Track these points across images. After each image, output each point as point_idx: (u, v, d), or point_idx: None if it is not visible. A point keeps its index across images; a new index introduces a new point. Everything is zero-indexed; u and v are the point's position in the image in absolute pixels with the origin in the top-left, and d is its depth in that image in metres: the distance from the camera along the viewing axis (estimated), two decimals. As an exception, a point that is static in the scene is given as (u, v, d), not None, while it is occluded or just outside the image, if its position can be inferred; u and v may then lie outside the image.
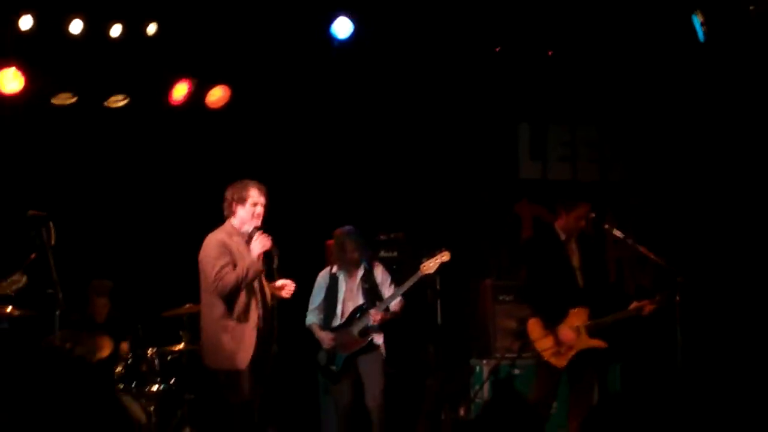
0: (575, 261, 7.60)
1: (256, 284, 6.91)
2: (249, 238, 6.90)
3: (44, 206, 7.27)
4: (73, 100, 9.05)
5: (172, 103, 9.33)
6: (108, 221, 9.58)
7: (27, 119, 9.14)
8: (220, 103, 9.46)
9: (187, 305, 8.41)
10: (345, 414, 8.36)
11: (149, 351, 8.46)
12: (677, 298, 7.39)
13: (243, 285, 6.75)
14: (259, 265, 6.84)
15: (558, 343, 7.44)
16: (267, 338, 6.95)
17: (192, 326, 8.31)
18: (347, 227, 8.42)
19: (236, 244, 6.87)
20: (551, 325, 7.47)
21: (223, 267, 6.75)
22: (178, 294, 8.67)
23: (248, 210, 6.90)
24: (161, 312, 8.59)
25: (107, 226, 9.57)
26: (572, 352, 7.45)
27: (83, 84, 9.04)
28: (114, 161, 9.61)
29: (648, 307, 7.45)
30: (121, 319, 8.97)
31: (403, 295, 8.24)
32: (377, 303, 8.25)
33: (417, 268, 8.12)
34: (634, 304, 7.50)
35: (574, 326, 7.44)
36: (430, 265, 8.08)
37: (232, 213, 6.96)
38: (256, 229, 6.88)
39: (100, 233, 9.51)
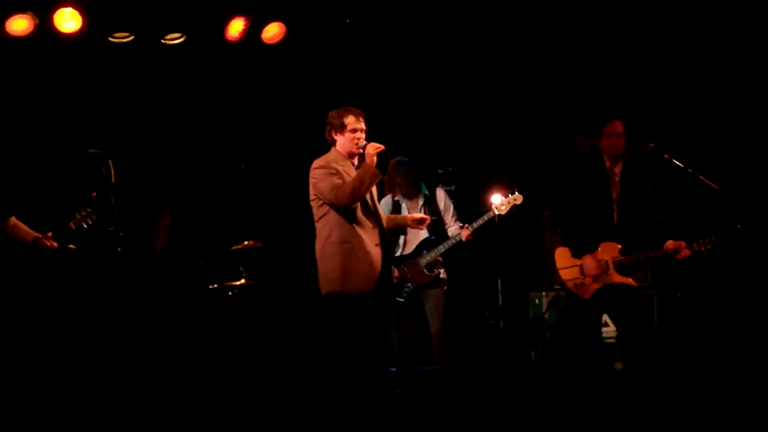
0: (614, 193, 7.20)
1: (369, 202, 6.76)
2: (358, 159, 6.76)
3: (103, 144, 7.36)
4: (131, 38, 9.07)
5: (228, 39, 9.31)
6: (166, 158, 9.66)
7: (85, 58, 9.20)
8: (276, 39, 9.43)
9: (247, 242, 8.49)
10: (407, 344, 8.36)
11: (210, 287, 8.58)
12: (738, 225, 7.21)
13: (363, 189, 6.56)
14: (375, 168, 6.57)
15: (582, 274, 7.18)
16: (387, 260, 6.77)
17: (252, 262, 8.39)
18: (398, 158, 8.35)
19: (342, 167, 6.72)
20: (578, 255, 7.21)
21: (336, 180, 6.60)
22: (238, 231, 8.77)
23: (348, 137, 6.72)
24: (223, 248, 8.68)
25: (165, 164, 9.65)
26: (597, 286, 7.14)
27: (140, 22, 9.05)
28: (172, 98, 9.67)
29: (683, 251, 7.04)
30: (179, 251, 9.08)
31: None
32: (449, 234, 8.27)
33: (488, 208, 8.13)
34: (669, 244, 7.08)
35: (602, 260, 7.12)
36: (502, 208, 8.08)
37: (334, 141, 6.81)
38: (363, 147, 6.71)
39: (158, 171, 9.60)
